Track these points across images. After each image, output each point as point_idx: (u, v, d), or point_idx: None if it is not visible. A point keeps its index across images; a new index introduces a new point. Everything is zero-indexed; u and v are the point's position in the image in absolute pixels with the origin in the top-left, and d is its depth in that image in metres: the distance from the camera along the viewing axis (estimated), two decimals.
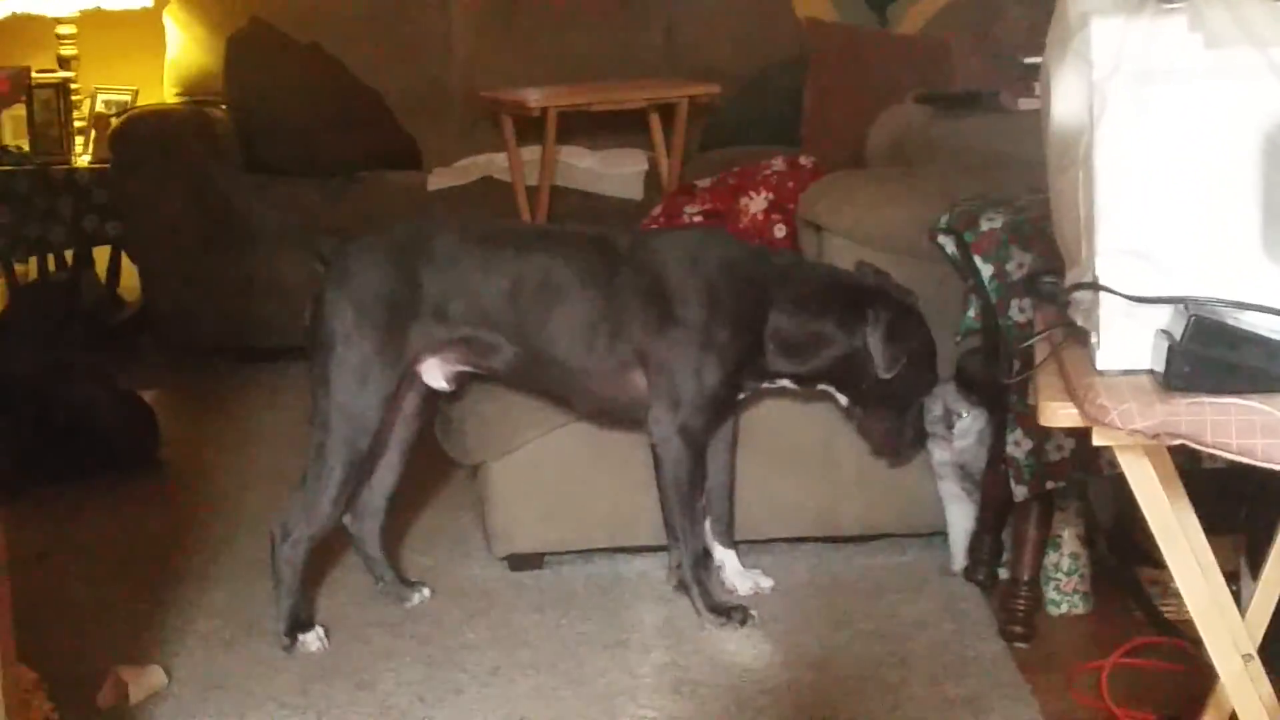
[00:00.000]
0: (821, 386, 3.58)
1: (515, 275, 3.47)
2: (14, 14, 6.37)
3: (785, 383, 3.59)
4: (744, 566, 3.73)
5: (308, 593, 3.64)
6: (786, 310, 3.49)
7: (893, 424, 3.60)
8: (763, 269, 3.53)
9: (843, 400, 3.59)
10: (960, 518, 3.72)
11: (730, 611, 3.52)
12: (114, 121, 6.15)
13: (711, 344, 3.45)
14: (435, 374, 3.56)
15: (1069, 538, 3.52)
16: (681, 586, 3.59)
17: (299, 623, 3.48)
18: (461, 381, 3.64)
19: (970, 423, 3.62)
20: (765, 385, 3.60)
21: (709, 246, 3.55)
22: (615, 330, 3.47)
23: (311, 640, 3.47)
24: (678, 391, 3.46)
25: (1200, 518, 2.42)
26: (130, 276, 6.43)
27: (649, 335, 3.46)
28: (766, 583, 3.71)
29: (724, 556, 3.71)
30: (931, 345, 3.55)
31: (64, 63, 6.49)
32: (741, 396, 3.60)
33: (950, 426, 3.62)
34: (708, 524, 3.68)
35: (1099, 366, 2.10)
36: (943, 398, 3.63)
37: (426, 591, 3.73)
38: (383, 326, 3.42)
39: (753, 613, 3.53)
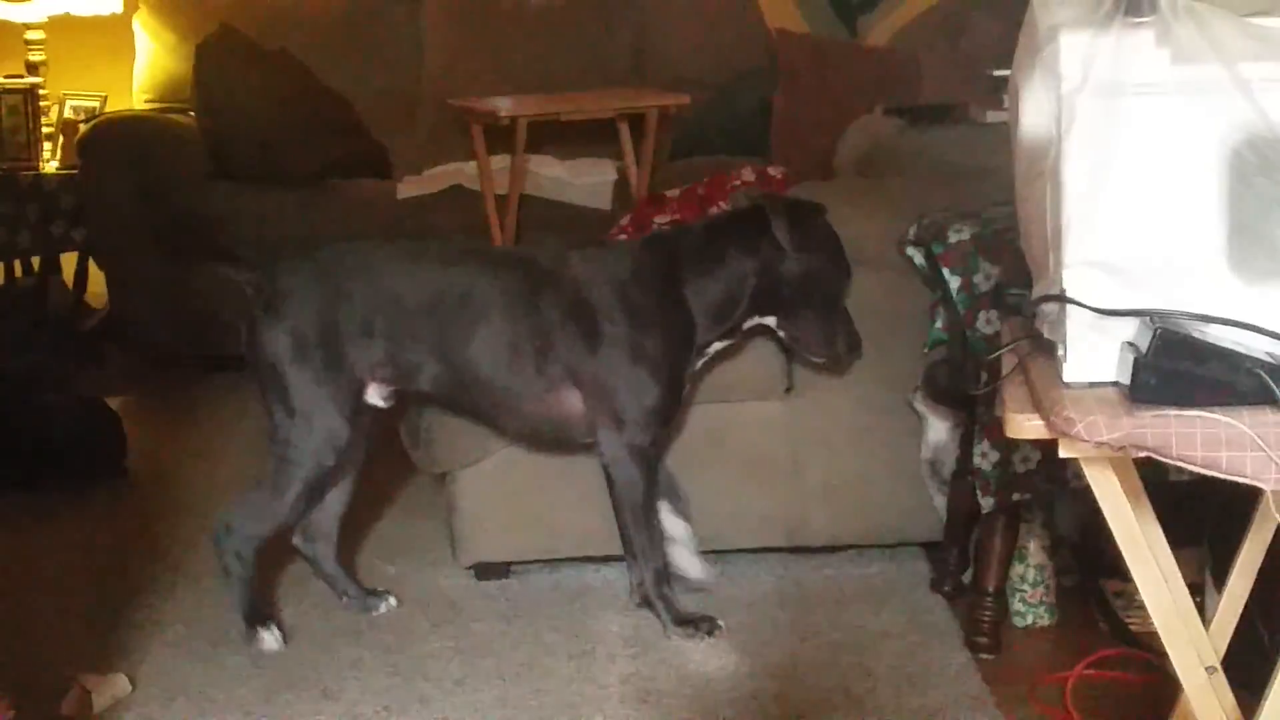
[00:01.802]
0: (749, 325, 3.57)
1: (438, 294, 3.47)
2: None
3: (721, 344, 3.59)
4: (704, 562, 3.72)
5: (268, 594, 3.65)
6: (698, 280, 3.50)
7: (824, 328, 3.55)
8: (666, 257, 3.53)
9: (771, 322, 3.57)
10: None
11: (697, 623, 3.52)
12: (82, 128, 6.13)
13: (644, 358, 3.45)
14: (373, 393, 3.53)
15: (1035, 549, 3.53)
16: (646, 603, 3.59)
17: (257, 615, 3.49)
18: (399, 398, 3.61)
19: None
20: (704, 360, 3.60)
21: (622, 259, 3.55)
22: (543, 351, 3.46)
23: (268, 639, 3.47)
24: (620, 411, 3.46)
25: (1165, 530, 2.42)
26: (97, 283, 6.39)
27: (580, 356, 3.46)
28: (713, 571, 3.71)
29: (674, 530, 3.68)
30: (836, 237, 3.55)
31: (32, 68, 6.47)
32: (686, 388, 3.60)
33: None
34: (664, 504, 3.67)
35: (1066, 379, 2.10)
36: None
37: (393, 600, 3.72)
38: (323, 348, 3.42)
39: (720, 623, 3.53)
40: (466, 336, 3.46)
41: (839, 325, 3.57)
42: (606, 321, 3.46)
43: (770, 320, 3.58)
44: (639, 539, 3.54)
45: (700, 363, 3.60)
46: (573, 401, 3.50)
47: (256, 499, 3.50)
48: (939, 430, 3.68)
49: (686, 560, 3.69)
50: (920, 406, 3.70)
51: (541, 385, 3.48)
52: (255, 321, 3.45)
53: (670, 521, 3.68)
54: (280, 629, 3.52)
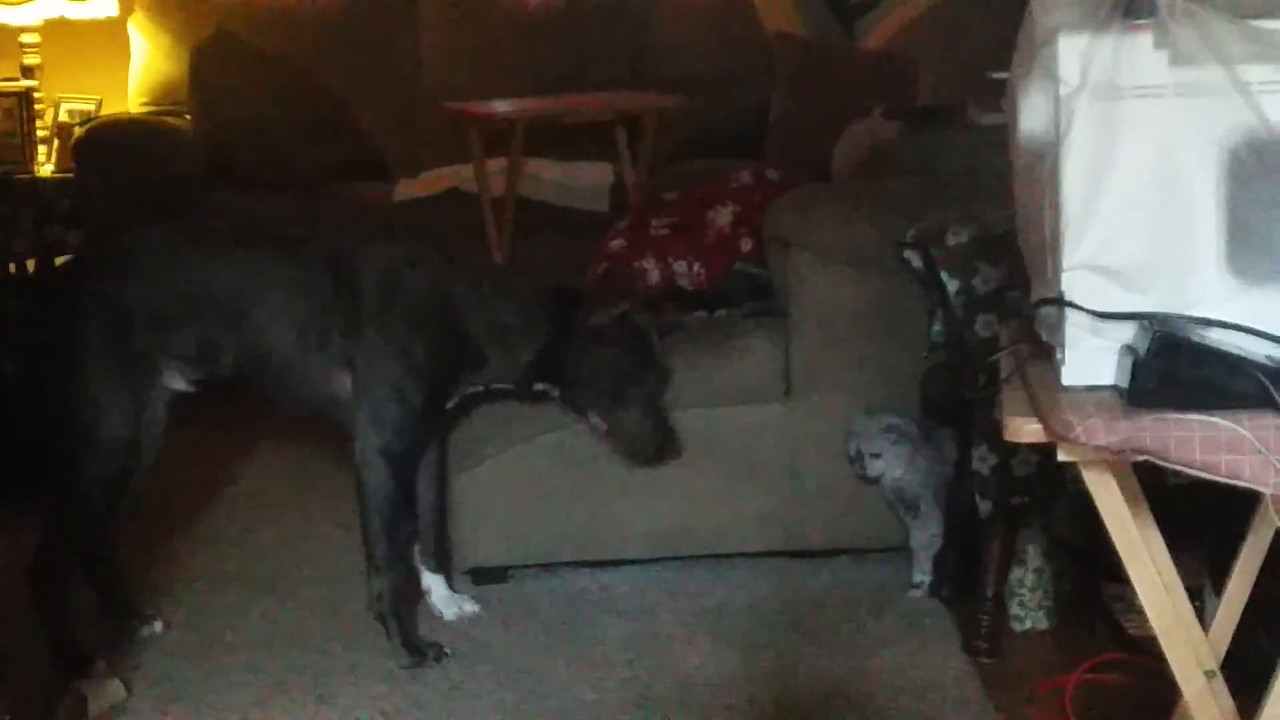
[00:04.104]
0: (537, 387, 3.54)
1: (231, 276, 3.40)
2: None
3: (501, 385, 3.55)
4: (468, 590, 3.72)
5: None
6: (483, 317, 3.44)
7: (630, 423, 3.54)
8: (468, 282, 3.47)
9: (555, 394, 3.55)
10: (916, 535, 3.72)
11: (425, 650, 3.44)
12: (77, 131, 6.12)
13: (411, 362, 3.39)
14: (175, 378, 3.46)
15: (1033, 554, 3.52)
16: (380, 620, 3.48)
17: (75, 661, 3.34)
18: (200, 384, 3.53)
19: (893, 458, 3.62)
20: (479, 389, 3.56)
21: (415, 264, 3.47)
22: (325, 330, 3.39)
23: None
24: (379, 412, 3.39)
25: (1164, 533, 2.42)
26: None
27: (353, 342, 3.38)
28: (472, 608, 3.66)
29: (431, 581, 3.66)
30: (643, 349, 3.51)
31: (27, 71, 6.46)
32: (451, 404, 3.55)
33: (864, 468, 3.63)
34: (416, 548, 3.64)
35: (1064, 382, 2.10)
36: (856, 438, 3.64)
37: (158, 625, 3.61)
38: (110, 341, 3.33)
39: (447, 650, 3.46)
40: (260, 316, 3.38)
41: (645, 423, 3.54)
42: (385, 320, 3.38)
43: (554, 392, 3.54)
44: (380, 549, 3.45)
45: (469, 391, 3.54)
46: (348, 385, 3.43)
47: (59, 528, 3.40)
48: (894, 468, 3.64)
49: (444, 605, 3.65)
50: (853, 467, 3.67)
51: (323, 362, 3.40)
52: (44, 317, 3.38)
53: (424, 575, 3.66)
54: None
